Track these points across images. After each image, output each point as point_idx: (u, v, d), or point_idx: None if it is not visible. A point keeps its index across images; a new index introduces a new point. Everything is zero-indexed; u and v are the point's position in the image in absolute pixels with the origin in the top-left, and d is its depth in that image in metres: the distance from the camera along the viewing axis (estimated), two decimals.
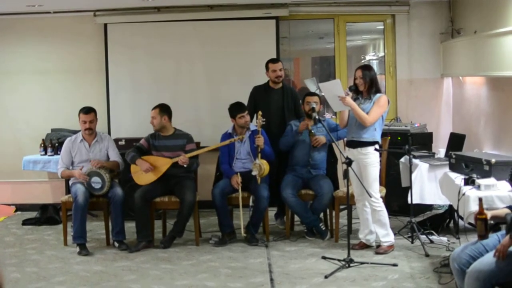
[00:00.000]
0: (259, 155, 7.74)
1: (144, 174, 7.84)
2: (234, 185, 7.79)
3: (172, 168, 7.80)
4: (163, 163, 7.82)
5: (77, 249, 7.56)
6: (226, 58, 9.71)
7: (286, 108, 8.38)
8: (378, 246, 7.31)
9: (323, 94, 7.37)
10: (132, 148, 8.02)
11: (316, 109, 7.69)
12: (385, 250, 7.20)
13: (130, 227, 7.94)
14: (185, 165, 7.74)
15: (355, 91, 7.20)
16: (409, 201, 7.58)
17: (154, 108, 7.96)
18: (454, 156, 7.11)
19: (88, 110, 7.96)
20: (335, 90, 7.02)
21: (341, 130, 7.75)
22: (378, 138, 7.18)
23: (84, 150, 7.96)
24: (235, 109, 8.00)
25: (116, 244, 7.74)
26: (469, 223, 6.88)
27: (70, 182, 8.00)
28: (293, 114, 8.35)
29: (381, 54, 10.22)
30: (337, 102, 7.02)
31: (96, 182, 7.71)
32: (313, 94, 8.07)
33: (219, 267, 6.93)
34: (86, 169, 7.76)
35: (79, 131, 8.23)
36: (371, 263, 6.77)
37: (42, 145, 9.42)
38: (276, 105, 8.37)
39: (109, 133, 9.62)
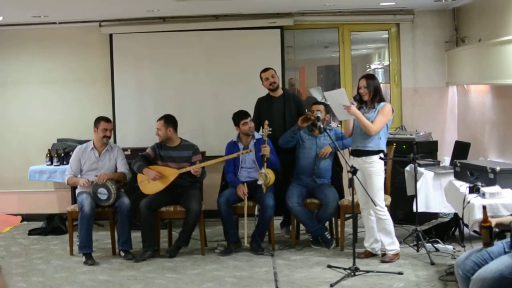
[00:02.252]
0: (265, 164, 7.75)
1: (150, 183, 7.85)
2: (240, 195, 7.80)
3: (178, 177, 7.82)
4: (170, 173, 7.83)
5: (83, 258, 7.58)
6: (232, 68, 9.75)
7: (288, 114, 8.38)
8: (384, 254, 7.31)
9: (328, 103, 7.38)
10: (138, 157, 8.03)
11: (322, 118, 7.69)
12: (391, 258, 7.20)
13: (136, 236, 7.94)
14: (197, 175, 7.78)
15: (359, 101, 7.21)
16: (414, 210, 7.58)
17: (159, 119, 7.99)
18: (459, 165, 7.12)
19: (108, 119, 8.14)
20: (340, 99, 7.03)
21: (347, 139, 7.77)
22: (383, 146, 7.19)
23: (93, 158, 8.00)
24: (239, 116, 8.04)
25: (122, 254, 7.76)
26: (474, 231, 6.88)
27: (77, 192, 8.03)
28: (296, 120, 8.33)
29: (386, 63, 10.23)
30: (342, 111, 7.03)
31: (102, 193, 7.73)
32: (319, 103, 8.07)
33: (224, 276, 6.94)
34: (93, 179, 7.80)
35: (85, 141, 8.28)
36: (377, 272, 6.77)
37: (48, 155, 9.45)
38: (278, 113, 8.40)
39: (114, 142, 9.65)
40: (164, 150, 7.99)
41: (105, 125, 8.02)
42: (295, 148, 8.13)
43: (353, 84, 9.83)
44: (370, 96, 7.15)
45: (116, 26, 9.76)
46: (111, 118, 9.59)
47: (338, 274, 6.78)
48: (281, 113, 8.41)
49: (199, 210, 7.72)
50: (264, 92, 8.61)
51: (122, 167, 8.06)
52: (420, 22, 9.69)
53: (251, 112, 8.39)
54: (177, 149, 7.99)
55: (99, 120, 8.06)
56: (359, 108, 7.17)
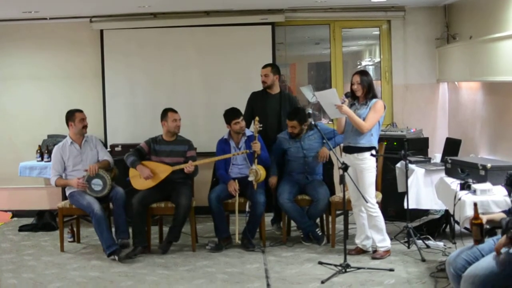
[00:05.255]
0: (256, 160, 7.75)
1: (142, 179, 7.84)
2: (231, 192, 7.79)
3: (170, 173, 7.82)
4: (163, 170, 7.82)
5: (115, 257, 7.44)
6: (223, 64, 9.73)
7: (283, 113, 8.37)
8: (375, 251, 7.31)
9: (318, 101, 7.37)
10: (132, 151, 8.02)
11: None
12: (382, 255, 7.21)
13: None
14: (190, 173, 7.79)
15: (351, 97, 7.21)
16: (405, 206, 7.58)
17: (176, 111, 8.05)
18: (450, 161, 7.14)
19: (80, 109, 8.11)
20: (331, 98, 7.02)
21: (338, 136, 7.77)
22: (374, 143, 7.19)
23: (75, 152, 7.97)
24: (230, 115, 8.02)
25: (116, 258, 7.48)
26: (465, 228, 6.89)
27: (67, 192, 7.99)
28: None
29: (377, 59, 10.23)
30: (334, 109, 7.02)
31: (96, 184, 7.72)
32: (292, 118, 7.97)
33: (215, 272, 6.94)
34: (84, 174, 7.78)
35: None
36: (368, 268, 6.78)
37: (39, 151, 9.43)
38: (273, 111, 8.39)
39: (105, 139, 9.66)
40: (160, 145, 8.01)
41: (81, 115, 8.02)
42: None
43: (344, 81, 9.85)
44: (363, 92, 7.14)
45: (106, 22, 9.72)
46: (102, 114, 9.71)
47: (329, 270, 6.79)
48: (277, 112, 8.41)
49: (188, 205, 7.71)
50: (256, 87, 8.63)
51: (104, 155, 8.10)
52: (411, 19, 9.70)
53: (242, 108, 8.39)
54: (173, 144, 8.02)
55: (72, 113, 8.04)
56: (351, 105, 7.17)
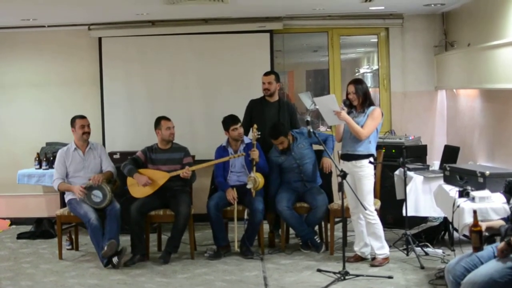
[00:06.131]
0: (254, 168, 7.75)
1: (140, 186, 7.83)
2: (230, 200, 7.79)
3: (168, 181, 7.81)
4: (161, 177, 7.82)
5: (114, 262, 7.43)
6: (221, 72, 9.73)
7: (282, 121, 8.36)
8: (373, 258, 7.31)
9: (317, 107, 7.36)
10: (129, 160, 8.02)
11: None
12: (380, 262, 7.20)
13: (124, 240, 7.90)
14: (187, 178, 7.80)
15: (349, 105, 7.21)
16: (404, 214, 7.58)
17: (169, 119, 8.05)
18: (448, 169, 7.14)
19: (83, 115, 8.11)
20: (330, 105, 7.03)
21: (329, 140, 7.81)
22: (373, 150, 7.20)
23: (78, 158, 7.97)
24: (228, 121, 8.03)
25: (115, 262, 7.48)
26: (464, 235, 6.89)
27: (66, 198, 7.99)
28: (288, 127, 8.34)
29: (375, 67, 10.25)
30: (332, 116, 7.03)
31: (96, 195, 7.70)
32: (276, 136, 7.94)
33: (214, 280, 6.93)
34: (85, 182, 7.77)
35: None
36: (367, 276, 6.77)
37: (37, 158, 9.41)
38: (272, 118, 8.36)
39: (103, 146, 9.61)
40: (156, 153, 8.01)
41: (81, 121, 8.03)
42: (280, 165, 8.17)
43: (342, 88, 9.84)
44: (359, 101, 7.15)
45: (105, 29, 9.72)
46: (100, 122, 9.66)
47: (328, 278, 6.78)
48: (275, 119, 8.34)
49: (188, 213, 7.70)
50: (255, 94, 8.64)
51: (108, 165, 8.09)
52: (409, 26, 9.71)
53: (241, 115, 8.39)
54: (169, 152, 8.02)
55: (74, 119, 8.08)
56: (349, 113, 7.17)
